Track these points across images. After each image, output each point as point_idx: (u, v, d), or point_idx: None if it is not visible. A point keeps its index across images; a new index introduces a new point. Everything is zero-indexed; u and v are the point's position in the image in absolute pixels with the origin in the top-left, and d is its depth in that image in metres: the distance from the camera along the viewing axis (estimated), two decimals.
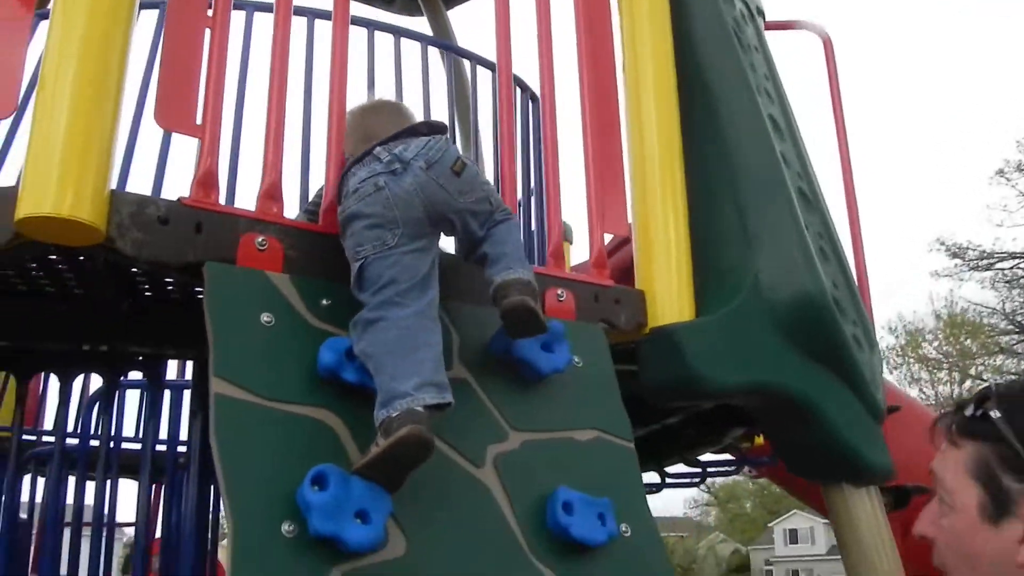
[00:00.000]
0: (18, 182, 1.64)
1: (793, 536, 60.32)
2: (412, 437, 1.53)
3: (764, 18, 3.50)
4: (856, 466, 2.46)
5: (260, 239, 1.80)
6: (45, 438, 3.70)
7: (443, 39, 5.55)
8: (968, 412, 1.17)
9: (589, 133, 2.46)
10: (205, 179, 1.78)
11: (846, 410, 2.42)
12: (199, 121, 1.81)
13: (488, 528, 1.74)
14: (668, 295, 2.38)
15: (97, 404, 2.95)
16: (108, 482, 2.58)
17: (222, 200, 1.84)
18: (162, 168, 2.34)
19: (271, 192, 1.87)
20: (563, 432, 1.96)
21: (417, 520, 1.66)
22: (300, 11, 2.78)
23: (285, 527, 1.51)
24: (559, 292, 2.18)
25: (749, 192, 2.54)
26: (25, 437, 3.38)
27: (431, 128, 1.92)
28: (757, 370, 2.32)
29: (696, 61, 2.69)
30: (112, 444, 2.74)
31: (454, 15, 6.15)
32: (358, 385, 1.69)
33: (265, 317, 1.73)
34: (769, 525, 59.73)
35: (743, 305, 2.38)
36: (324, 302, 1.82)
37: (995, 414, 1.12)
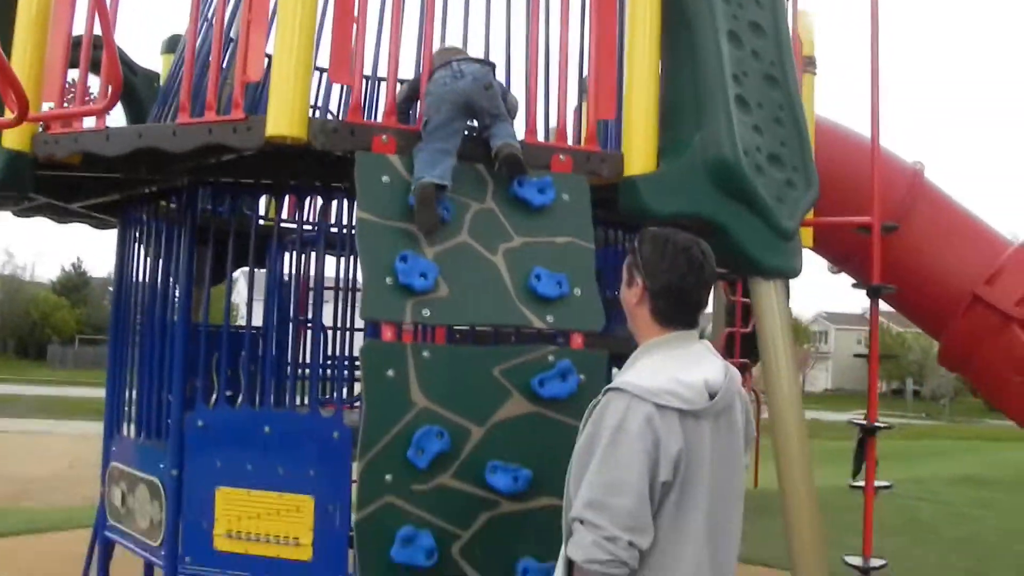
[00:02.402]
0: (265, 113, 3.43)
1: None
2: (419, 191, 3.32)
3: None
4: (757, 267, 3.95)
5: (384, 137, 3.51)
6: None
7: None
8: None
9: (593, 44, 3.94)
10: (355, 107, 3.51)
11: (749, 230, 3.87)
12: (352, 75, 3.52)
13: (495, 286, 3.45)
14: (639, 156, 3.88)
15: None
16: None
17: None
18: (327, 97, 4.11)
19: (390, 110, 3.57)
20: (547, 238, 3.60)
21: (456, 279, 3.39)
22: None
23: (387, 280, 3.28)
24: (560, 156, 3.76)
25: (701, 86, 3.93)
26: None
27: (484, 62, 3.55)
28: (686, 204, 3.82)
29: None
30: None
31: None
32: None
33: (385, 178, 3.46)
34: None
35: (684, 162, 3.86)
36: None
37: (636, 243, 2.65)
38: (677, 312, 2.51)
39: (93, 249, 77.17)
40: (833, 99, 6.41)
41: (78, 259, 64.49)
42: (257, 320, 5.51)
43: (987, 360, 6.38)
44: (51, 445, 17.27)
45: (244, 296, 7.19)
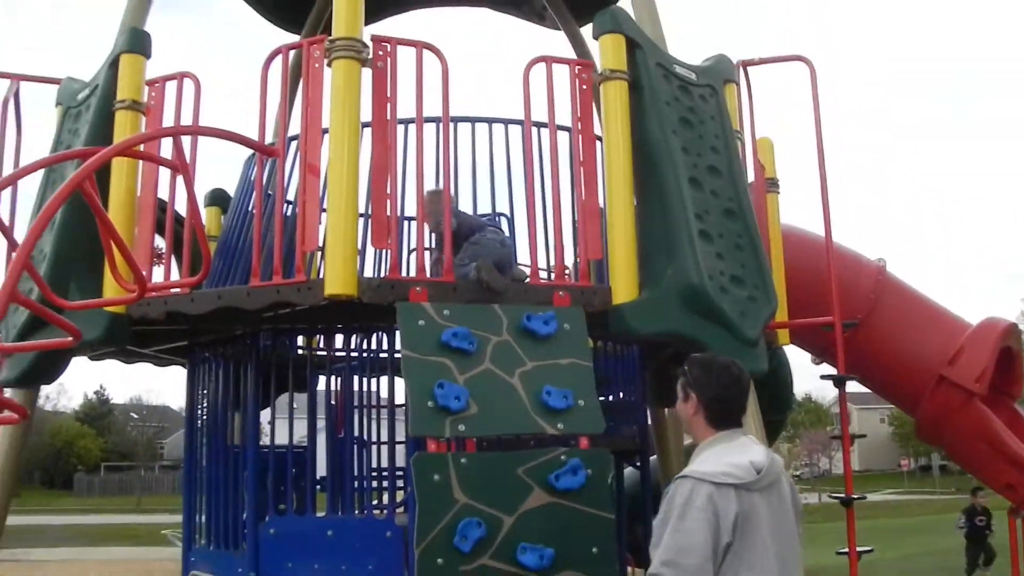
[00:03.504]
0: (320, 275, 4.32)
1: None
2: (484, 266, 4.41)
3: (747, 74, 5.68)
4: None
5: (418, 288, 4.40)
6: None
7: (579, 50, 7.98)
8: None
9: (580, 200, 4.86)
10: (393, 265, 4.43)
11: (719, 341, 4.71)
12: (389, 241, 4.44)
13: (514, 403, 4.28)
14: (623, 287, 4.76)
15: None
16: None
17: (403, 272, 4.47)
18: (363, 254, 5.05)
19: (421, 266, 4.48)
20: (553, 360, 4.44)
21: (483, 399, 4.22)
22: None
23: (429, 403, 4.12)
24: (560, 292, 4.64)
25: (669, 227, 4.83)
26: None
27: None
28: (664, 324, 4.69)
29: (644, 151, 4.96)
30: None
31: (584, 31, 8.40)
32: (457, 348, 4.26)
33: (421, 322, 4.33)
34: None
35: (660, 289, 4.74)
36: (445, 312, 4.40)
37: (686, 367, 3.46)
38: (725, 416, 3.29)
39: (114, 377, 78.15)
40: (805, 209, 7.29)
41: (101, 387, 65.43)
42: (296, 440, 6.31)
43: (957, 432, 7.11)
44: (86, 572, 17.76)
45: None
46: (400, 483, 6.23)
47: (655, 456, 8.06)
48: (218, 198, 7.42)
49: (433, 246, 5.39)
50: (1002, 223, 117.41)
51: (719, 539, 2.98)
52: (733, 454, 3.14)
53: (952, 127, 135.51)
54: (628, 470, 6.93)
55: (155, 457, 61.96)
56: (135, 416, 66.29)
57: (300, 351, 6.36)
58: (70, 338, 3.29)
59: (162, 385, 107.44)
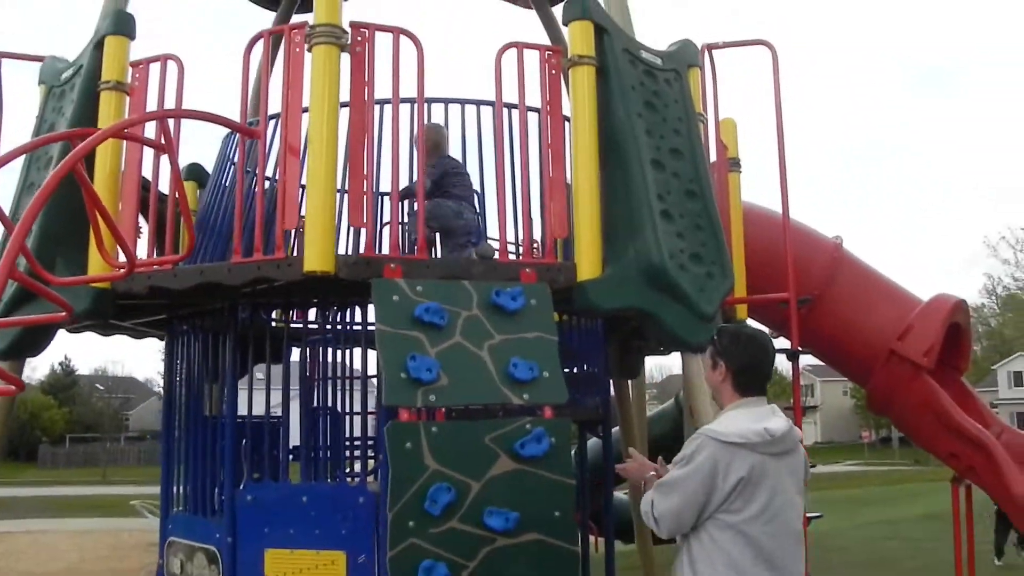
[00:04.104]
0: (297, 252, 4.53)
1: (1018, 379, 59.37)
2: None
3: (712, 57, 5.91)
4: (685, 344, 5.04)
5: (392, 265, 4.61)
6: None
7: (551, 31, 8.18)
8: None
9: (548, 181, 5.08)
10: (369, 242, 4.62)
11: (676, 316, 4.97)
12: (364, 220, 4.64)
13: (483, 374, 4.50)
14: (587, 265, 5.00)
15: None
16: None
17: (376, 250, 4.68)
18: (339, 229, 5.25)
19: (394, 244, 4.68)
20: (520, 334, 4.67)
21: (453, 371, 4.44)
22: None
23: (402, 375, 4.34)
24: (527, 269, 4.87)
25: (632, 207, 5.06)
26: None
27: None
28: (625, 300, 4.93)
29: (610, 134, 5.18)
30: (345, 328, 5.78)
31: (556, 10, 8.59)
32: (429, 323, 4.48)
33: (395, 297, 4.54)
34: (994, 367, 59.07)
35: (622, 267, 4.98)
36: (418, 288, 4.61)
37: (716, 336, 3.70)
38: (751, 383, 3.55)
39: (79, 349, 77.41)
40: (768, 187, 7.54)
41: (66, 358, 64.94)
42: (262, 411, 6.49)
43: (905, 404, 7.44)
44: (57, 543, 17.75)
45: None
46: (371, 452, 6.47)
47: (617, 428, 8.37)
48: (194, 172, 7.55)
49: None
50: (964, 201, 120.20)
51: (712, 492, 3.28)
52: (750, 419, 3.39)
53: (917, 109, 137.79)
54: (591, 441, 7.21)
55: (120, 428, 61.78)
56: (100, 387, 65.97)
57: (275, 323, 6.56)
58: (63, 312, 3.47)
59: (127, 356, 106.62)
